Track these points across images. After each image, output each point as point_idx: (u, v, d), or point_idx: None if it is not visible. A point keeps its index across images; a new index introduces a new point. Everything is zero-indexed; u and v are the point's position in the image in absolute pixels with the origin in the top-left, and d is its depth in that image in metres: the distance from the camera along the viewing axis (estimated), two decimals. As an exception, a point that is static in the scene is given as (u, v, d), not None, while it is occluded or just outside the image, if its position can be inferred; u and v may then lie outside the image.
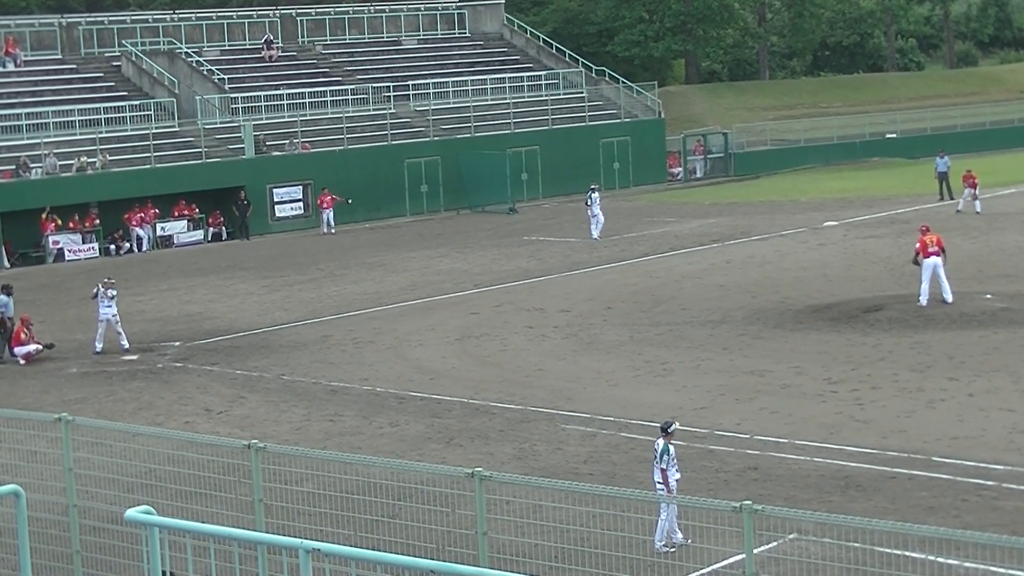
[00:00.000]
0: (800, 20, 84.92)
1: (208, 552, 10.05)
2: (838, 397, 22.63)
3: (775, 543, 13.96)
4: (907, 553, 13.39)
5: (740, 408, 22.30)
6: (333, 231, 50.14)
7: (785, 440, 20.22)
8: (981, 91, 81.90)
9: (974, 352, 25.34)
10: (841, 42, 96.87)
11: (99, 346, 29.61)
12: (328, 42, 61.58)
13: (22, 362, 29.11)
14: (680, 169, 64.21)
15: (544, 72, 63.34)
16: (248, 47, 59.26)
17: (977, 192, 44.96)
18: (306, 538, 9.47)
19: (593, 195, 44.68)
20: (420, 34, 64.41)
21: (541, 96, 61.45)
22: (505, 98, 60.16)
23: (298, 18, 61.42)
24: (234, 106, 54.10)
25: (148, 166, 49.62)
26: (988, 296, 30.41)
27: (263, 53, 58.91)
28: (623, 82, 64.04)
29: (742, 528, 11.06)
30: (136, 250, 47.91)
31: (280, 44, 59.69)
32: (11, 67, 53.13)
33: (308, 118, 54.62)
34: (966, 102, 76.52)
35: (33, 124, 49.35)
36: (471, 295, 34.87)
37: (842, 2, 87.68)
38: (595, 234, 43.92)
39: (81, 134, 49.75)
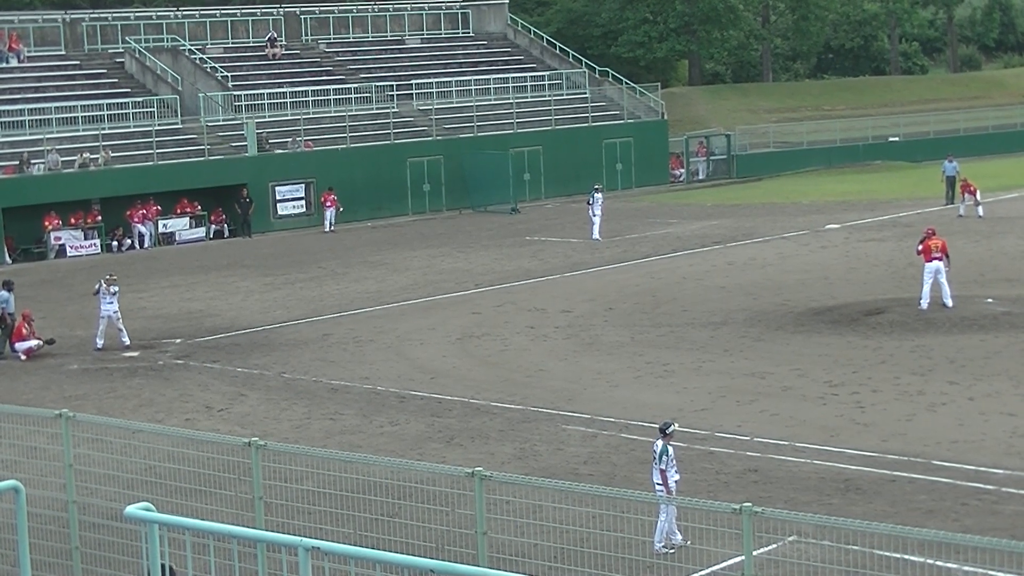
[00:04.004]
0: (804, 22, 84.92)
1: (208, 549, 10.05)
2: (839, 400, 22.62)
3: (774, 545, 13.97)
4: (906, 556, 13.39)
5: (741, 410, 22.30)
6: (334, 230, 50.14)
7: (785, 442, 20.21)
8: (984, 95, 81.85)
9: (975, 356, 25.34)
10: (845, 45, 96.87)
11: (100, 343, 29.62)
12: (331, 40, 61.60)
13: (23, 358, 29.12)
14: (682, 170, 64.20)
15: (547, 72, 63.35)
16: (251, 44, 59.28)
17: (978, 198, 44.96)
18: (306, 536, 9.47)
19: (595, 196, 44.71)
20: (424, 33, 64.43)
21: (544, 96, 61.46)
22: (508, 98, 60.16)
23: (302, 16, 61.43)
24: (237, 103, 54.11)
25: (151, 163, 49.64)
26: (989, 300, 30.41)
27: (266, 51, 58.92)
28: (626, 83, 64.05)
29: (742, 530, 11.06)
30: (138, 247, 47.92)
31: (283, 42, 59.71)
32: (14, 63, 53.14)
33: (311, 116, 54.65)
34: (969, 106, 76.48)
35: (36, 120, 49.37)
36: (472, 295, 34.88)
37: (846, 5, 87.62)
38: (597, 235, 43.93)
39: (84, 130, 49.76)
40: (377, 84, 57.86)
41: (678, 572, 14.86)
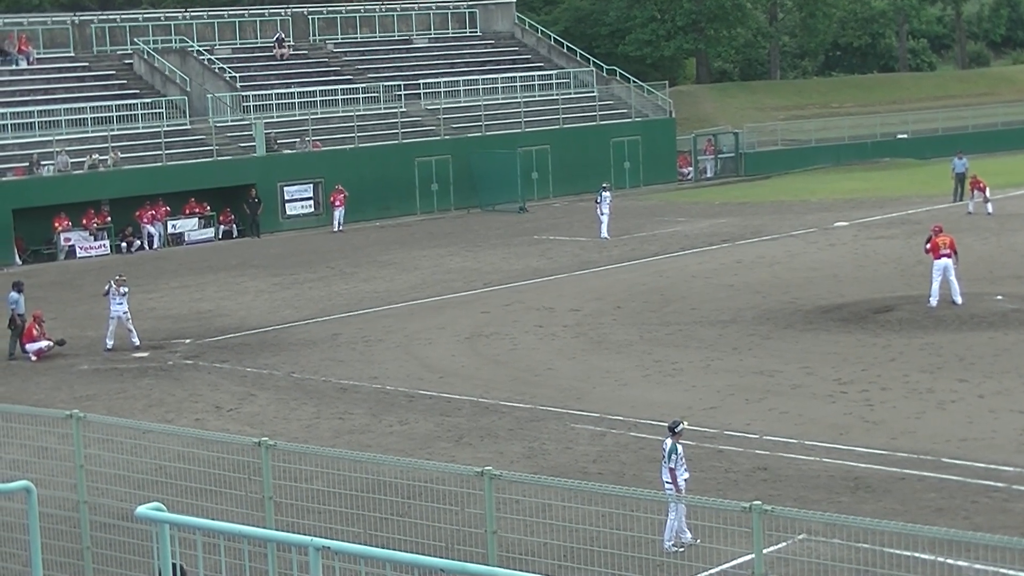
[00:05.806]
0: (812, 20, 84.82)
1: (218, 549, 10.09)
2: (848, 398, 22.62)
3: (784, 543, 13.96)
4: (916, 555, 13.38)
5: (749, 408, 22.30)
6: (342, 230, 50.20)
7: (794, 440, 20.21)
8: (992, 91, 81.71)
9: (984, 353, 25.30)
10: (852, 42, 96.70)
11: (110, 343, 29.69)
12: (339, 40, 61.65)
13: (34, 358, 29.20)
14: (691, 169, 64.17)
15: (555, 71, 63.35)
16: (259, 45, 59.36)
17: (988, 194, 44.90)
18: (316, 535, 9.50)
19: (603, 194, 44.71)
20: (431, 33, 64.46)
21: (552, 95, 61.45)
22: (516, 97, 60.18)
23: (309, 16, 61.49)
24: (245, 104, 54.19)
25: (159, 164, 49.74)
26: (999, 297, 30.36)
27: (274, 51, 58.99)
28: (634, 81, 64.02)
29: (751, 528, 11.07)
30: (147, 247, 48.04)
31: (291, 42, 59.77)
32: (24, 65, 53.28)
33: (319, 116, 54.71)
34: (978, 102, 76.37)
35: (45, 122, 49.48)
36: (481, 294, 34.90)
37: (854, 2, 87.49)
38: (605, 233, 43.92)
39: (93, 131, 49.87)
40: (385, 84, 57.90)
41: (688, 571, 14.87)
